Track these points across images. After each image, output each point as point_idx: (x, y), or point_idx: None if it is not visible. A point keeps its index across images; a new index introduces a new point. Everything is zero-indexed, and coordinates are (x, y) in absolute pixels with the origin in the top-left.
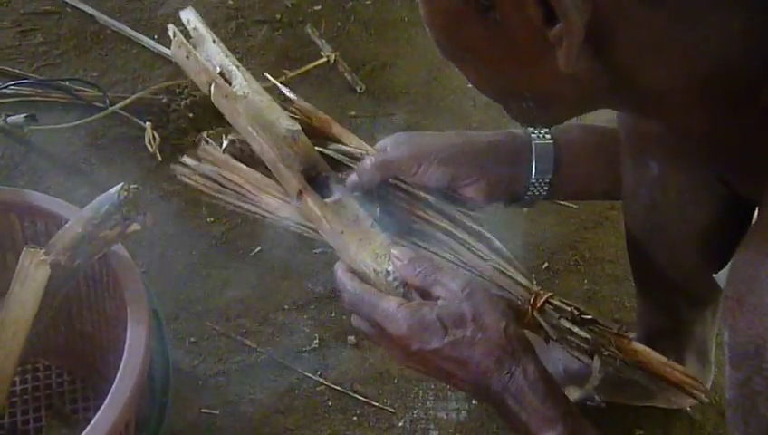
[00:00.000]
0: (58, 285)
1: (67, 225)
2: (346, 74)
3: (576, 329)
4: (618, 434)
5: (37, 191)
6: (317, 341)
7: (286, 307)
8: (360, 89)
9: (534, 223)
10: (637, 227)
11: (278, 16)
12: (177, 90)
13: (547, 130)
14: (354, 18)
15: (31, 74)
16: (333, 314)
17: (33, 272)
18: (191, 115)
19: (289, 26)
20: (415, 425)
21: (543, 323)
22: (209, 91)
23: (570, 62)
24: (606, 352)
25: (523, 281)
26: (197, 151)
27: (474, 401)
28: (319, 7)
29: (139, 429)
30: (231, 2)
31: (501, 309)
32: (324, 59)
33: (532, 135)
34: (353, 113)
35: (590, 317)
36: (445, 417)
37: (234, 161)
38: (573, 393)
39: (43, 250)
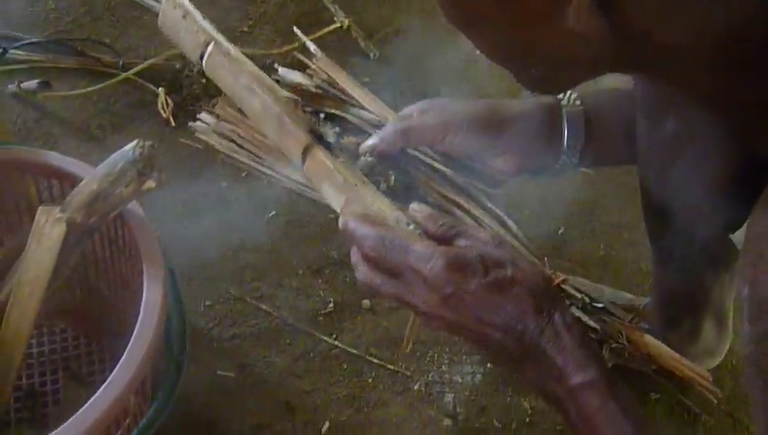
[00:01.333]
0: (74, 243)
1: (82, 183)
2: (360, 40)
3: (585, 318)
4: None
5: None
6: (332, 304)
7: (301, 271)
8: (374, 55)
9: (550, 189)
10: (651, 187)
11: None
12: None
13: (576, 96)
14: None
15: (43, 40)
16: (348, 279)
17: (49, 230)
18: (204, 81)
19: None
20: (430, 388)
21: None
22: (202, 54)
23: (581, 20)
24: (614, 344)
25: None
26: (216, 108)
27: (488, 365)
28: None
29: (156, 387)
30: None
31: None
32: (338, 25)
33: (562, 102)
34: (367, 80)
35: (601, 306)
36: (460, 380)
37: (247, 121)
38: None
39: (59, 208)
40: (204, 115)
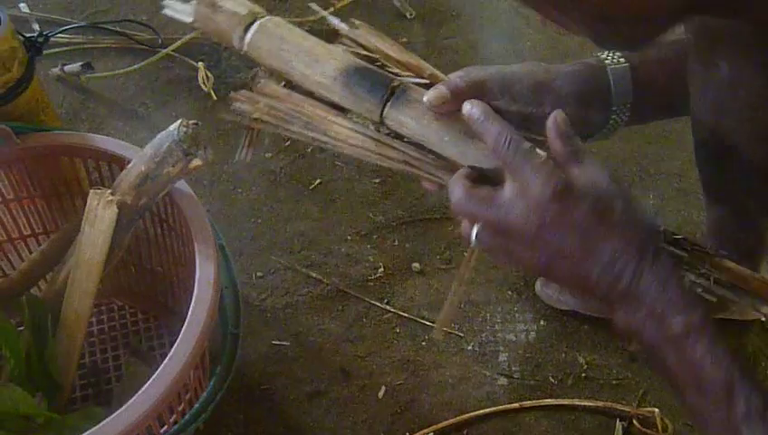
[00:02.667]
0: (126, 224)
1: (130, 165)
2: (395, 1)
3: (672, 248)
4: None
5: None
6: (382, 269)
7: (349, 238)
8: (411, 15)
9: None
10: (706, 134)
11: None
12: None
13: (620, 53)
14: None
15: (83, 22)
16: (396, 243)
17: (102, 212)
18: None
19: None
20: (484, 347)
21: None
22: (244, 29)
23: None
24: (702, 270)
25: None
26: (254, 89)
27: (541, 322)
28: None
29: (214, 361)
30: None
31: None
32: None
33: (606, 60)
34: (405, 40)
35: (681, 237)
36: (513, 338)
37: (296, 93)
38: None
39: (110, 191)
40: (244, 92)
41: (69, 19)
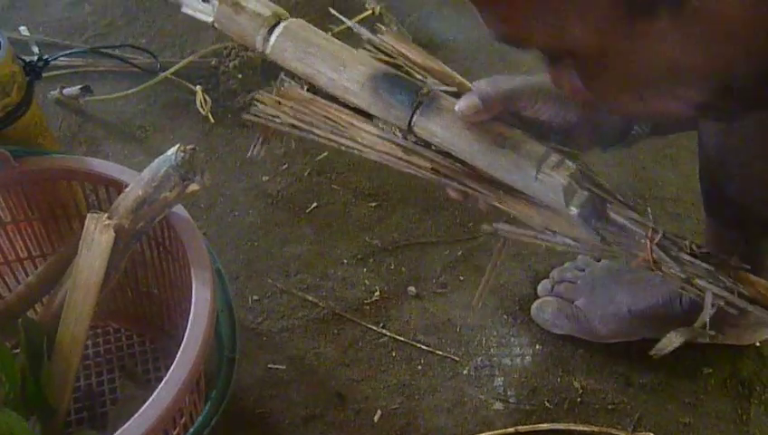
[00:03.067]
0: (123, 247)
1: (127, 189)
2: (392, 25)
3: (698, 262)
4: (685, 373)
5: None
6: (378, 293)
7: (345, 261)
8: (408, 39)
9: (592, 163)
10: (711, 153)
11: None
12: (225, 52)
13: None
14: None
15: (82, 45)
16: (393, 266)
17: (99, 236)
18: (240, 76)
19: None
20: (479, 372)
21: (664, 257)
22: (268, 31)
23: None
24: (728, 284)
25: (637, 216)
26: (276, 94)
27: (537, 346)
28: None
29: (210, 386)
30: None
31: None
32: (369, 11)
33: None
34: None
35: (706, 251)
36: (509, 362)
37: (320, 98)
38: (677, 337)
39: (107, 215)
40: (263, 95)
41: (68, 42)
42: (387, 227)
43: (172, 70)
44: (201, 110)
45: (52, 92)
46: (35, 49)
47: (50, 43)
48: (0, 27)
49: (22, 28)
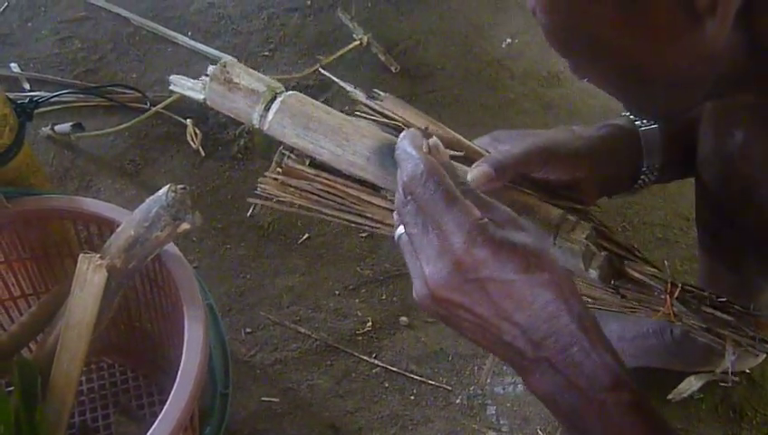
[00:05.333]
0: (115, 287)
1: (119, 228)
2: (380, 55)
3: (719, 313)
4: (677, 400)
5: (88, 195)
6: (370, 323)
7: (337, 292)
8: (395, 69)
9: None
10: (711, 193)
11: (308, 2)
12: None
13: None
14: None
15: (72, 81)
16: (384, 297)
17: (91, 276)
18: None
19: (320, 11)
20: (472, 401)
21: (683, 311)
22: (265, 107)
23: (723, 31)
24: (749, 332)
25: (655, 271)
26: (277, 172)
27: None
28: None
29: (204, 421)
30: None
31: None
32: (357, 42)
33: (636, 123)
34: (389, 94)
35: (724, 300)
36: (501, 391)
37: (326, 173)
38: (696, 381)
39: (99, 255)
40: (269, 175)
41: (59, 78)
42: (378, 257)
43: (161, 105)
44: (192, 143)
45: (43, 129)
46: (26, 86)
47: (41, 79)
48: None
49: (12, 65)
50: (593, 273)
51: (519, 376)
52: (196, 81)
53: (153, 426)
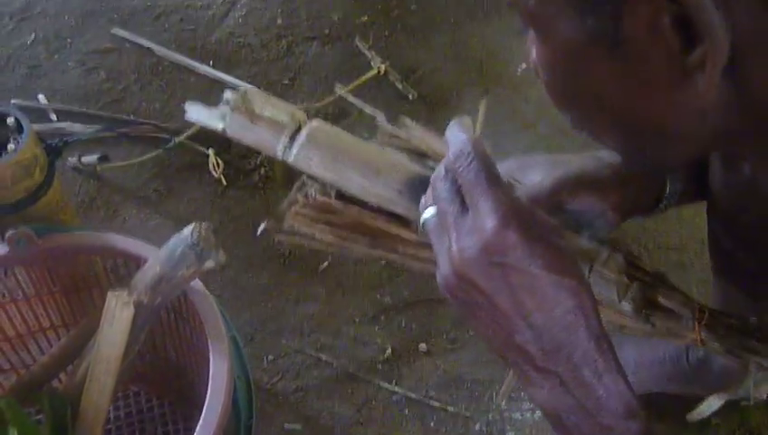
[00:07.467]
0: (142, 321)
1: (146, 266)
2: (397, 83)
3: (746, 340)
4: (694, 424)
5: (113, 224)
6: (389, 351)
7: (357, 320)
8: (413, 96)
9: None
10: (721, 225)
11: (327, 31)
12: None
13: None
14: (401, 26)
15: (97, 112)
16: (404, 324)
17: (119, 313)
18: None
19: (338, 40)
20: (491, 428)
21: (711, 337)
22: (290, 139)
23: (712, 86)
24: None
25: (683, 298)
26: (305, 201)
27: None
28: (365, 18)
29: None
30: (280, 21)
31: None
32: (375, 70)
33: None
34: (407, 122)
35: (749, 323)
36: (519, 417)
37: (352, 206)
38: (716, 401)
39: (127, 291)
40: (291, 212)
41: (85, 109)
42: (397, 284)
43: (184, 136)
44: (214, 172)
45: (70, 159)
46: (54, 117)
47: (67, 110)
48: (19, 96)
49: (40, 96)
50: (626, 305)
51: (523, 385)
52: (213, 109)
53: None
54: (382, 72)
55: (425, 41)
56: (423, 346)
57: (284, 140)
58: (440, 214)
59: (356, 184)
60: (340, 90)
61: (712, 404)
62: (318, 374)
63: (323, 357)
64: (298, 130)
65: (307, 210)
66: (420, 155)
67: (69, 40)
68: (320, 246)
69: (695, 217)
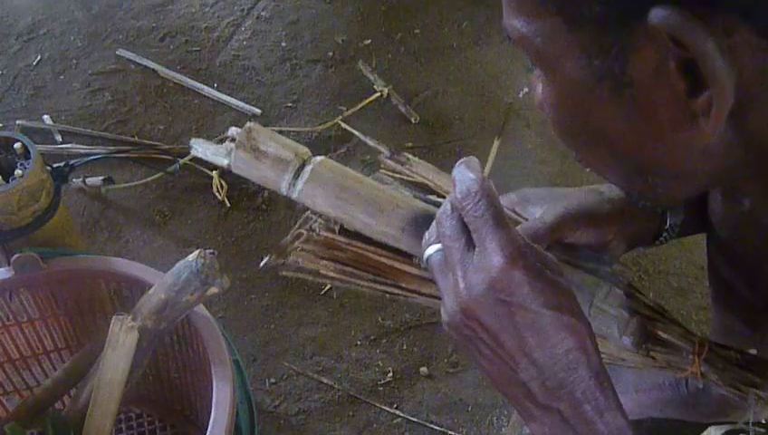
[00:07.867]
0: (146, 346)
1: (151, 291)
2: (400, 106)
3: (745, 373)
4: None
5: (117, 245)
6: (391, 374)
7: (359, 343)
8: (415, 120)
9: None
10: (725, 250)
11: (330, 54)
12: None
13: None
14: (404, 49)
15: (102, 132)
16: (405, 347)
17: (123, 337)
18: None
19: (341, 63)
20: None
21: (710, 371)
22: (294, 176)
23: (717, 129)
24: None
25: (683, 331)
26: (302, 247)
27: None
28: (369, 41)
29: None
30: (284, 43)
31: None
32: (378, 93)
33: None
34: (410, 144)
35: (748, 357)
36: None
37: (356, 242)
38: (716, 431)
39: (131, 316)
40: (297, 248)
41: (89, 130)
42: (398, 307)
43: (188, 158)
44: (217, 194)
45: (75, 180)
46: (59, 138)
47: (72, 131)
48: (25, 116)
49: (45, 117)
50: (627, 340)
51: (525, 421)
52: (218, 146)
53: None
54: (385, 95)
55: (428, 64)
56: (424, 369)
57: (288, 177)
58: (446, 250)
59: (359, 221)
60: (344, 113)
61: None
62: (320, 397)
63: (325, 380)
64: (302, 166)
65: (311, 246)
66: (422, 187)
67: (74, 61)
68: (323, 280)
69: (695, 244)
